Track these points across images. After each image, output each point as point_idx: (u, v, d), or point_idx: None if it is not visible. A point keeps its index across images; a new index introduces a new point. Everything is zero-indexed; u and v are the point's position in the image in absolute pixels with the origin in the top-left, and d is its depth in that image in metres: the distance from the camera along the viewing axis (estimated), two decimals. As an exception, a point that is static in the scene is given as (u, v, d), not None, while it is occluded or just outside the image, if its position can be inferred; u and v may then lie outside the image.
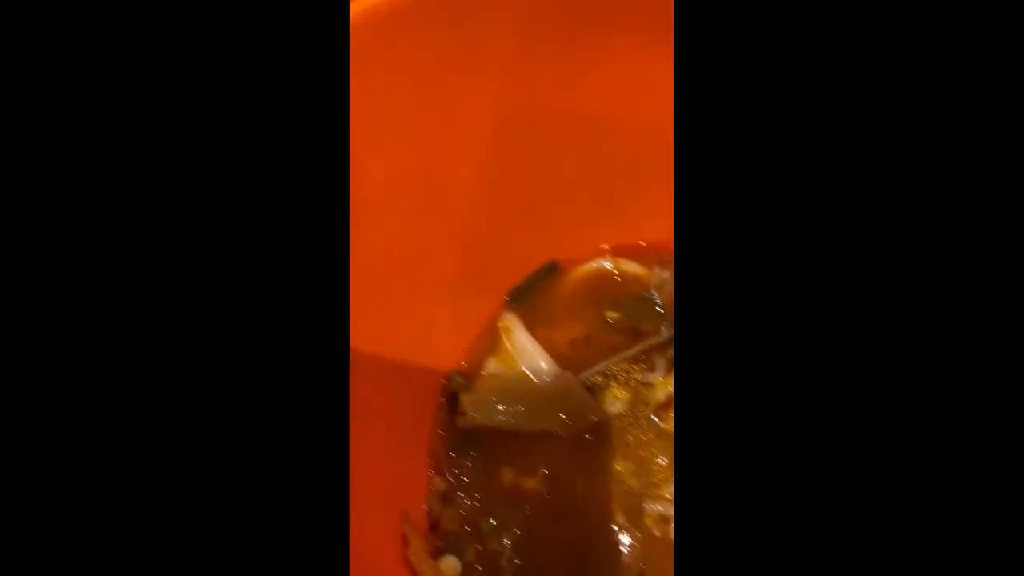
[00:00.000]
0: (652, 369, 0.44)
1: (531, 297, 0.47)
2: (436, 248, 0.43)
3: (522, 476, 0.41)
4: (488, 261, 0.45)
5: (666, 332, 0.45)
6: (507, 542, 0.39)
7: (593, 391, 0.43)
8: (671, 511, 0.40)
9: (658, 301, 0.47)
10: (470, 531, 0.39)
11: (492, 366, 0.44)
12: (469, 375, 0.44)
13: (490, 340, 0.45)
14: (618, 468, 0.41)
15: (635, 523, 0.40)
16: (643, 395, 0.43)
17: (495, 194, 0.43)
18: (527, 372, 0.43)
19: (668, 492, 0.40)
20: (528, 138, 0.42)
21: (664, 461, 0.41)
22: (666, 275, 0.48)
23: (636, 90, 0.41)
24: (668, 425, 0.42)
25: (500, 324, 0.45)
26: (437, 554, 0.38)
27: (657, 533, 0.39)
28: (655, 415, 0.43)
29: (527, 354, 0.44)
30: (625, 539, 0.39)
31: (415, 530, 0.38)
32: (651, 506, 0.40)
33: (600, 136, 0.44)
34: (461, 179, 0.42)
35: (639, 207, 0.47)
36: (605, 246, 0.49)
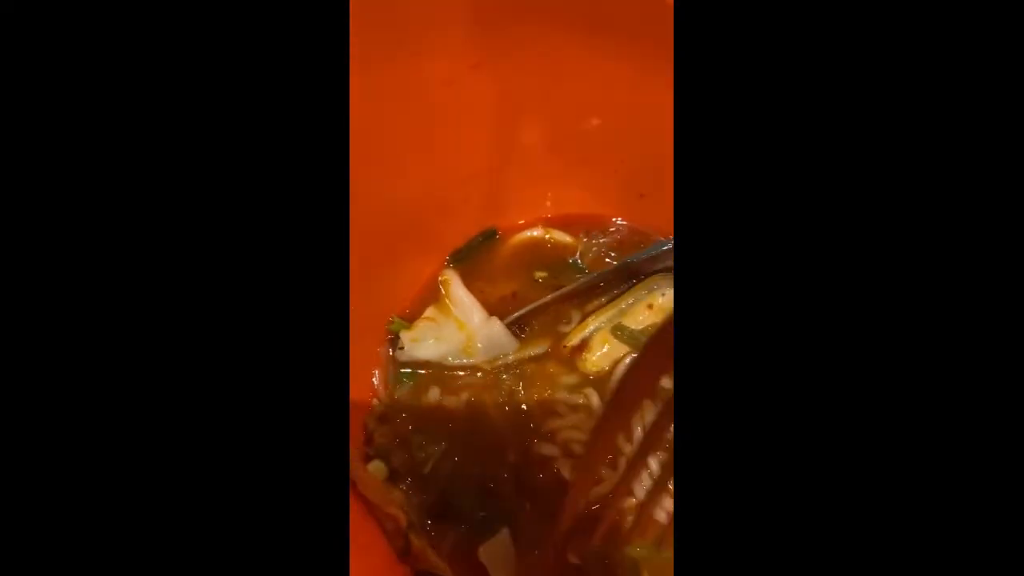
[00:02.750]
0: (568, 321, 0.51)
1: (472, 258, 0.55)
2: (389, 214, 0.50)
3: (448, 400, 0.48)
4: (434, 228, 0.53)
5: (582, 280, 0.51)
6: (430, 452, 0.46)
7: (517, 336, 0.50)
8: (560, 435, 0.46)
9: (580, 264, 0.54)
10: (399, 443, 0.46)
11: (430, 312, 0.51)
12: (410, 319, 0.51)
13: (431, 292, 0.53)
14: (524, 397, 0.48)
15: (527, 441, 0.46)
16: (560, 341, 0.50)
17: (443, 168, 0.51)
18: (459, 317, 0.51)
19: (553, 423, 0.47)
20: (476, 120, 0.49)
21: (563, 395, 0.48)
22: (591, 241, 0.55)
23: (549, 81, 0.48)
24: (581, 365, 0.49)
25: (440, 278, 0.53)
26: (367, 459, 0.45)
27: (544, 452, 0.46)
28: (570, 357, 0.50)
29: (461, 303, 0.51)
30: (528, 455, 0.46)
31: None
32: (543, 423, 0.47)
33: (531, 123, 0.52)
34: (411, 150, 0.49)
35: (569, 183, 0.55)
36: (545, 216, 0.56)
